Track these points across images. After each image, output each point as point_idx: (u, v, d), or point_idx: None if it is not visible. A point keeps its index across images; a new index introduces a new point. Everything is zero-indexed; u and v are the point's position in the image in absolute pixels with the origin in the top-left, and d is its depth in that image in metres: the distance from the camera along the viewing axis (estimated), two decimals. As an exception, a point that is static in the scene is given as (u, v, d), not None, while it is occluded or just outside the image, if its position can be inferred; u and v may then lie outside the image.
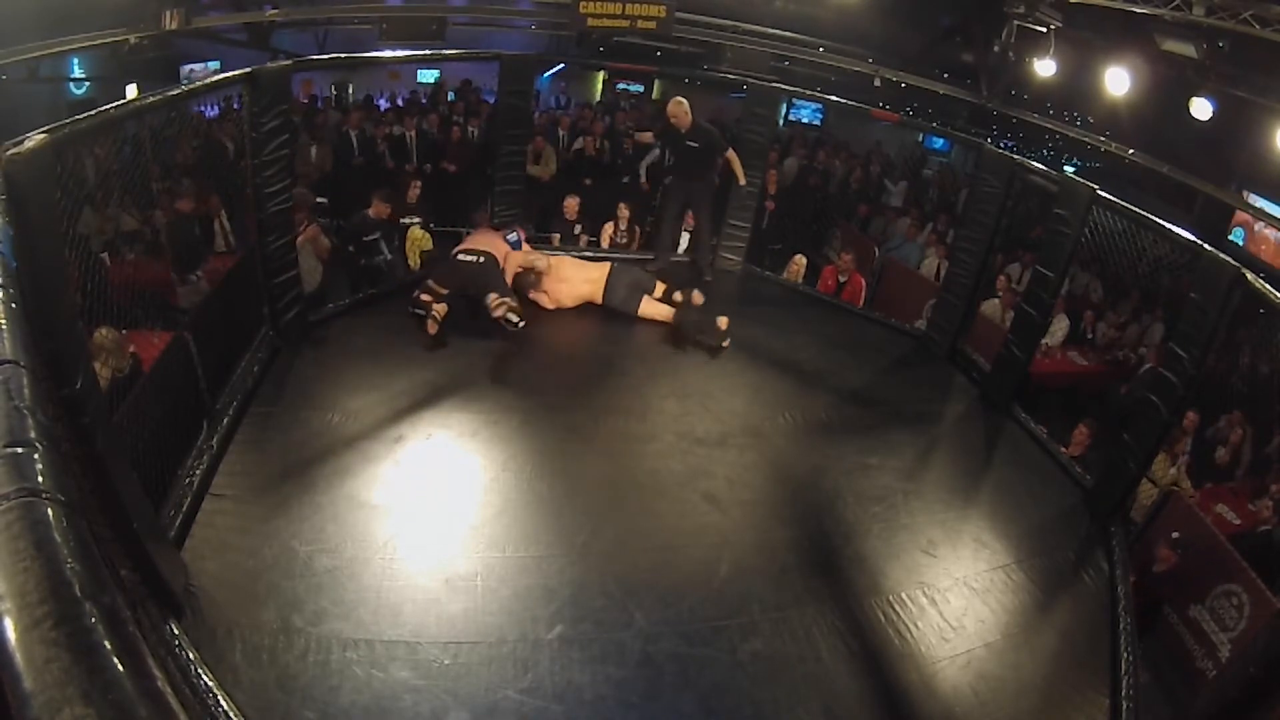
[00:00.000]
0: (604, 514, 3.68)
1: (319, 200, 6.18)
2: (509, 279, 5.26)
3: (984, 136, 7.55)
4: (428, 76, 10.96)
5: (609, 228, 7.04)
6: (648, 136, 6.77)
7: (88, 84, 8.63)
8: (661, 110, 6.35)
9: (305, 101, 8.78)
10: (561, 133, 8.44)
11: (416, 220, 6.61)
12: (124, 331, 4.06)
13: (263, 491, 3.51)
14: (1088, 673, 3.35)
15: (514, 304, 4.93)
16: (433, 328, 4.88)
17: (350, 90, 10.58)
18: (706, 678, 2.95)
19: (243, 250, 5.24)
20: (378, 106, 9.09)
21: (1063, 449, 4.98)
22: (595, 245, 7.01)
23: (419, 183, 6.96)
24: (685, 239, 7.18)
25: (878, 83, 9.86)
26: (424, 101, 9.38)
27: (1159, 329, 7.17)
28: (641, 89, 12.08)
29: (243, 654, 2.74)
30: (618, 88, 11.97)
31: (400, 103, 9.39)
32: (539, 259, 5.57)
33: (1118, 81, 7.75)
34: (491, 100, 9.18)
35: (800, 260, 7.17)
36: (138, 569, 2.54)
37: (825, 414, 4.79)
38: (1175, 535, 4.37)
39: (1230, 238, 8.57)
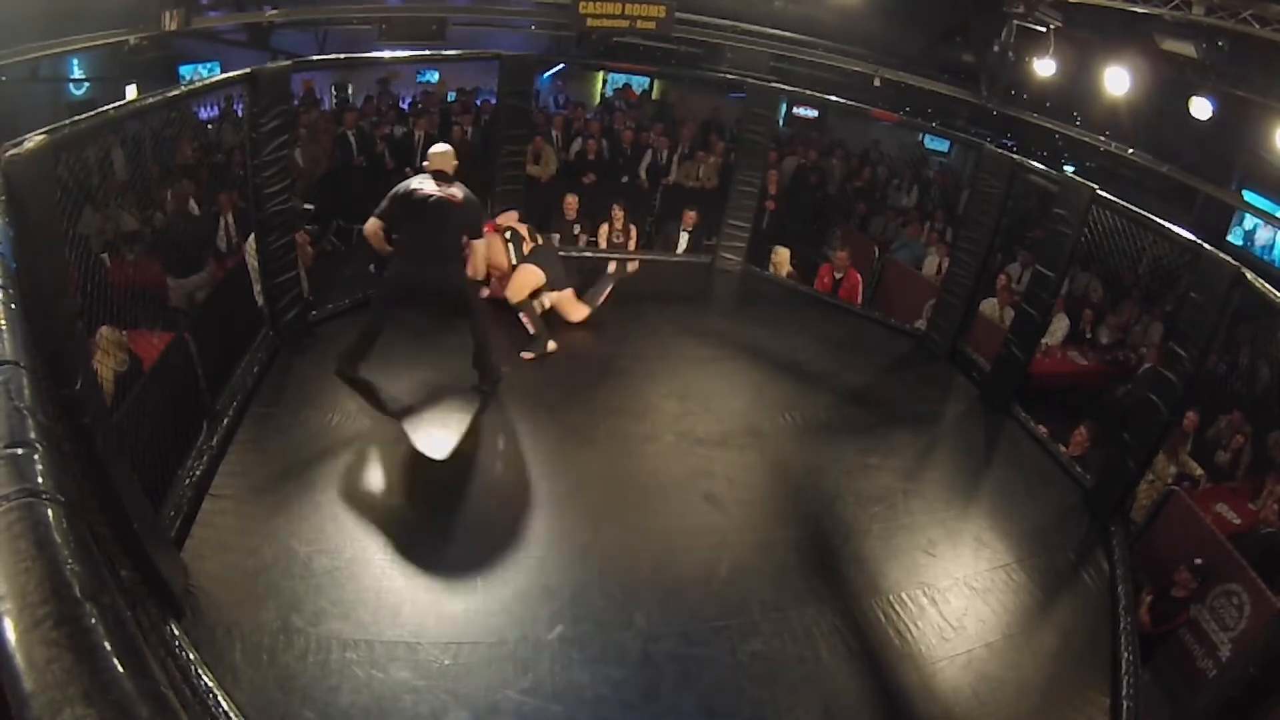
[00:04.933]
0: (604, 514, 3.68)
1: (306, 206, 6.13)
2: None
3: (984, 137, 7.54)
4: (427, 76, 10.97)
5: (605, 229, 7.04)
6: None
7: (88, 84, 8.61)
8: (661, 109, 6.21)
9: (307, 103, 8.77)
10: (555, 133, 8.43)
11: None
12: (124, 332, 4.07)
13: (263, 491, 3.51)
14: (1088, 673, 3.36)
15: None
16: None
17: (350, 90, 10.57)
18: (706, 678, 2.95)
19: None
20: (376, 105, 9.07)
21: (1062, 449, 4.98)
22: (594, 245, 7.02)
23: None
24: (684, 239, 7.19)
25: (878, 83, 9.86)
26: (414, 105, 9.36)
27: (1159, 329, 7.17)
28: (647, 83, 11.98)
29: (243, 654, 2.74)
30: (619, 85, 11.91)
31: (405, 105, 9.36)
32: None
33: (1118, 81, 7.75)
34: (476, 103, 9.21)
35: (782, 252, 7.11)
36: (138, 569, 2.54)
37: (825, 414, 4.79)
38: (1199, 562, 4.30)
39: (1230, 238, 8.56)
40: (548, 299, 5.21)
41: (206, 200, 6.73)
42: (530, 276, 5.06)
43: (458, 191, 4.09)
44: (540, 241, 5.32)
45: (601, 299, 5.43)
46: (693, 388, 4.85)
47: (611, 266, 5.36)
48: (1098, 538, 4.19)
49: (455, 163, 4.19)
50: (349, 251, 7.10)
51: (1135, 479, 4.25)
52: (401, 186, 4.09)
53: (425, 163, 4.20)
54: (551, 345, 4.96)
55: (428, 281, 4.15)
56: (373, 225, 4.08)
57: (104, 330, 3.73)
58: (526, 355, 4.87)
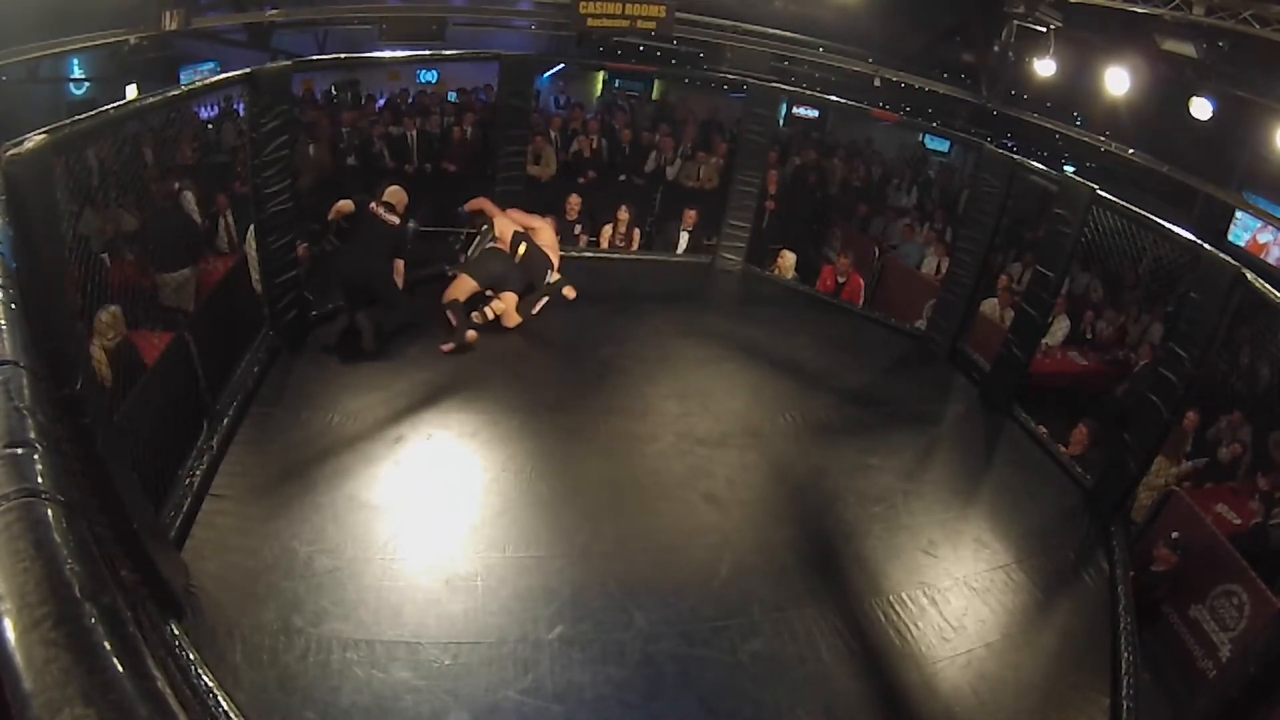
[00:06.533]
0: (604, 514, 3.68)
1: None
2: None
3: (984, 137, 7.54)
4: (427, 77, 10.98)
5: (607, 230, 7.03)
6: None
7: (88, 84, 8.61)
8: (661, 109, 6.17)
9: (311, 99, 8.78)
10: (553, 133, 8.43)
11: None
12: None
13: (263, 492, 3.51)
14: (1088, 673, 3.35)
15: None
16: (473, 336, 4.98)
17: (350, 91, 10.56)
18: (707, 678, 2.95)
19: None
20: (375, 104, 9.07)
21: (1062, 449, 4.98)
22: (594, 245, 7.02)
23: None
24: (685, 239, 7.19)
25: (878, 83, 9.86)
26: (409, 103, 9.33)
27: (1158, 329, 7.16)
28: (641, 86, 12.00)
29: (243, 654, 2.74)
30: (615, 86, 11.93)
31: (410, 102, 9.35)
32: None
33: (1118, 81, 7.74)
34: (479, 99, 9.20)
35: (788, 256, 7.09)
36: (138, 569, 2.54)
37: (825, 414, 4.79)
38: (1175, 535, 4.37)
39: (1229, 238, 8.55)
40: (496, 305, 5.23)
41: (206, 200, 6.72)
42: (463, 284, 5.12)
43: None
44: (494, 244, 5.30)
45: (536, 309, 5.31)
46: (693, 388, 4.85)
47: (552, 276, 5.33)
48: (1098, 538, 4.19)
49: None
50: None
51: (1135, 479, 4.25)
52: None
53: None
54: (471, 335, 4.99)
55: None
56: None
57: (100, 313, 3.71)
58: (445, 347, 4.90)
